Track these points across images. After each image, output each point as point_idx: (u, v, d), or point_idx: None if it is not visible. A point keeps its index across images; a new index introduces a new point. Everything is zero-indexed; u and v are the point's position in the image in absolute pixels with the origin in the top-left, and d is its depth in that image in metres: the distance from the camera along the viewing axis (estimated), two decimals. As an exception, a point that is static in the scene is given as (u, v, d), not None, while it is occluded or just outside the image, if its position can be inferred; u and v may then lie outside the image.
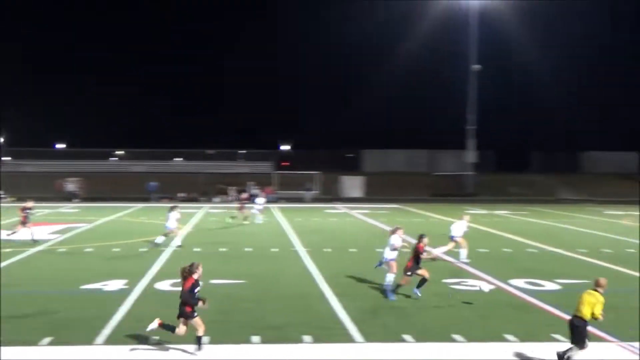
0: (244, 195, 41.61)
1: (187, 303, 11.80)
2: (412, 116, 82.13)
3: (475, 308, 15.91)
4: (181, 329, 11.97)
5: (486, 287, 18.35)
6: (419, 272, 16.54)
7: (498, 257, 24.49)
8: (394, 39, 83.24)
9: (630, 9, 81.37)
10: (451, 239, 23.24)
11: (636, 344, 13.31)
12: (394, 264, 16.94)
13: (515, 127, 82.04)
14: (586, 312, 11.28)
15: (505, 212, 46.59)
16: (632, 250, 27.00)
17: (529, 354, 12.50)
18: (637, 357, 12.56)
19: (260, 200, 39.10)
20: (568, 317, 12.21)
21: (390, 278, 16.77)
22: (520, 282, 19.24)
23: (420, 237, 16.89)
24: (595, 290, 11.47)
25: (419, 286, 16.67)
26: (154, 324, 11.97)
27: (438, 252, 22.59)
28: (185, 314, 11.87)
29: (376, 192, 62.60)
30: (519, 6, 68.08)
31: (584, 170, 76.75)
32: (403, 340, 13.18)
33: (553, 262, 23.47)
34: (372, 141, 77.11)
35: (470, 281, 19.26)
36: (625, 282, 19.81)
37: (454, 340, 13.21)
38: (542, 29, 79.82)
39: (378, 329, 13.89)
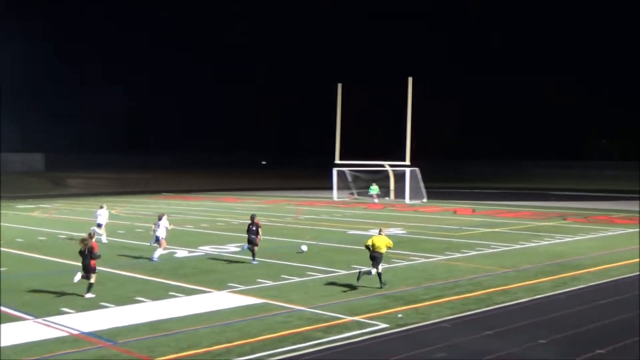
0: None
1: (94, 259, 17.09)
2: None
3: None
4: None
5: None
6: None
7: None
8: None
9: None
10: None
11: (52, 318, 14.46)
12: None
13: None
14: (390, 244, 18.42)
15: None
16: (43, 238, 29.05)
17: None
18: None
19: None
20: None
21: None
22: None
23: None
24: (381, 235, 18.54)
25: None
26: (78, 276, 16.92)
27: None
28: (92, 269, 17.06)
29: None
30: None
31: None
32: None
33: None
34: None
35: None
36: (39, 266, 21.36)
37: None
38: None
39: None
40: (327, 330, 13.56)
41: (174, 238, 27.63)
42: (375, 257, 18.23)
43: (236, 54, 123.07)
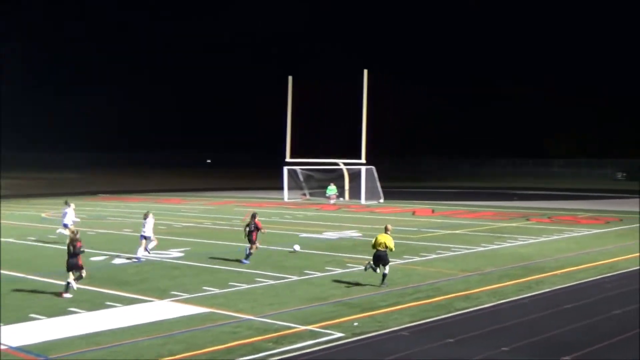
0: None
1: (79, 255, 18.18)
2: None
3: None
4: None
5: None
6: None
7: None
8: None
9: None
10: None
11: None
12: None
13: None
14: (390, 245, 19.08)
15: None
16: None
17: None
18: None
19: None
20: None
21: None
22: None
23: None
24: (387, 233, 19.41)
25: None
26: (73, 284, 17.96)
27: None
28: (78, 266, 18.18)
29: None
30: None
31: None
32: None
33: None
34: None
35: None
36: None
37: None
38: None
39: None
40: (278, 341, 13.53)
41: (111, 243, 27.26)
42: (379, 256, 19.14)
43: (180, 45, 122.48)
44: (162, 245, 26.41)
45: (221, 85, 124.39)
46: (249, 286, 18.99)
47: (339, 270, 21.29)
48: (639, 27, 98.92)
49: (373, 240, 19.44)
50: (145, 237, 24.05)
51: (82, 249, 18.35)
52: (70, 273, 17.97)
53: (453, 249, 26.16)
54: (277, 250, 26.29)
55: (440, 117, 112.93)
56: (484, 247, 26.89)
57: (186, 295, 17.75)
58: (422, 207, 47.60)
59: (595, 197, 57.16)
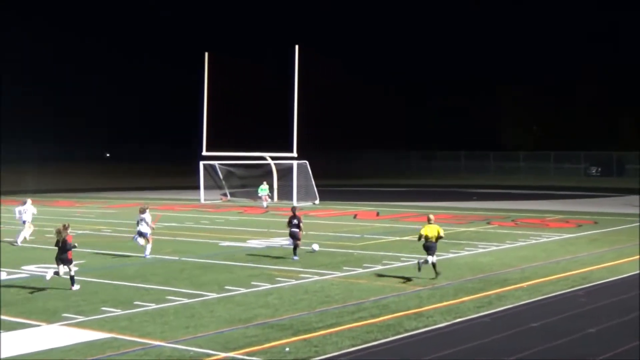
0: None
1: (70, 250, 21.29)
2: None
3: None
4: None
5: None
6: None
7: None
8: None
9: None
10: None
11: None
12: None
13: None
14: (441, 233, 22.91)
15: None
16: None
17: None
18: None
19: None
20: None
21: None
22: None
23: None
24: (432, 224, 22.88)
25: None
26: (50, 274, 21.30)
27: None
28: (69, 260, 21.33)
29: None
30: None
31: None
32: None
33: None
34: None
35: None
36: None
37: None
38: None
39: None
40: (194, 371, 13.44)
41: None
42: (429, 246, 22.60)
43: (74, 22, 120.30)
44: (50, 258, 25.93)
45: (122, 62, 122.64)
46: (158, 306, 18.82)
47: (267, 286, 21.26)
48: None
49: (419, 234, 22.85)
50: (142, 234, 27.44)
51: (73, 244, 21.43)
52: (61, 266, 21.13)
53: (402, 259, 26.41)
54: (192, 262, 26.11)
55: (384, 103, 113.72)
56: (438, 256, 27.13)
57: (81, 318, 17.47)
58: (364, 209, 47.93)
59: (566, 197, 58.48)
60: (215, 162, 56.37)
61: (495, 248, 29.41)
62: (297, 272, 23.62)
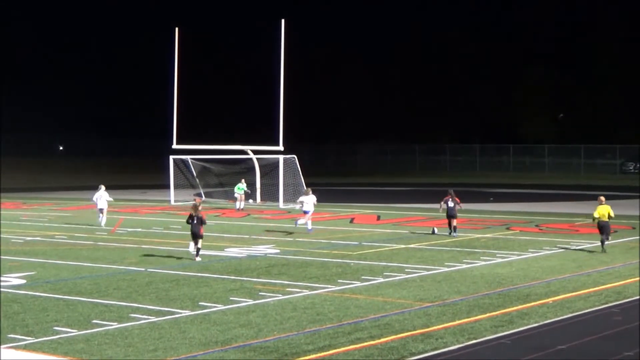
0: None
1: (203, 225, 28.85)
2: None
3: None
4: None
5: None
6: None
7: None
8: None
9: None
10: None
11: None
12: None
13: None
14: (611, 214, 30.33)
15: None
16: None
17: None
18: None
19: None
20: None
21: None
22: None
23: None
24: (603, 204, 30.26)
25: None
26: (192, 247, 28.96)
27: None
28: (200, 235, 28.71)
29: None
30: None
31: None
32: None
33: None
34: None
35: None
36: None
37: None
38: None
39: None
40: (164, 403, 13.41)
41: None
42: (603, 226, 29.77)
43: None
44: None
45: (78, 39, 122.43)
46: (120, 325, 18.75)
47: (249, 302, 21.22)
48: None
49: (595, 213, 30.07)
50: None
51: (206, 221, 28.66)
52: (192, 243, 28.50)
53: (407, 270, 26.40)
54: (160, 274, 26.04)
55: (383, 90, 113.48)
56: (449, 267, 27.21)
57: (30, 340, 17.40)
58: (363, 212, 47.91)
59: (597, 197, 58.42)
60: (188, 157, 56.30)
61: (515, 257, 29.41)
62: (283, 285, 23.58)
